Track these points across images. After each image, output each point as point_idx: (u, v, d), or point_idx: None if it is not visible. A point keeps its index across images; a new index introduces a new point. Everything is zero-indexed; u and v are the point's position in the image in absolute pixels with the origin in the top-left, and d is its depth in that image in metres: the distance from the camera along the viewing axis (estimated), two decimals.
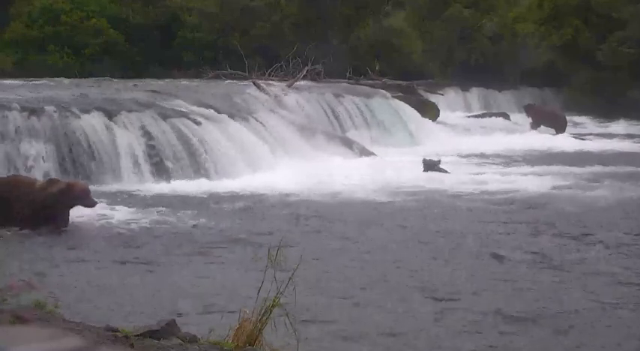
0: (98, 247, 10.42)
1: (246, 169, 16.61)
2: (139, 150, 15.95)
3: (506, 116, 32.99)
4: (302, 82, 26.53)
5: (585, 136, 28.58)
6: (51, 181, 11.60)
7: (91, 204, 11.31)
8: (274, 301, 5.19)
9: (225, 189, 14.99)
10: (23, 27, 36.26)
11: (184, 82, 27.23)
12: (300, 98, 24.17)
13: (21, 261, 9.42)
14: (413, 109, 27.78)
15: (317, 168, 16.95)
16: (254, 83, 24.91)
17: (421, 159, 18.23)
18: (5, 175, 12.80)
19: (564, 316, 7.78)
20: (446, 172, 17.77)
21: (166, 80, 27.75)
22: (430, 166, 17.91)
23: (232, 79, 29.24)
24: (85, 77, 29.15)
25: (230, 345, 5.06)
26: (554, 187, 15.92)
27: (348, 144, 21.10)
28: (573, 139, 27.32)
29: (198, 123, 17.40)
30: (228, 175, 16.10)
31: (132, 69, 34.15)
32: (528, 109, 30.77)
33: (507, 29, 39.15)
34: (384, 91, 28.65)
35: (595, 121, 34.32)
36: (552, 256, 10.17)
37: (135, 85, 23.76)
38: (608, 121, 33.82)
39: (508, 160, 21.57)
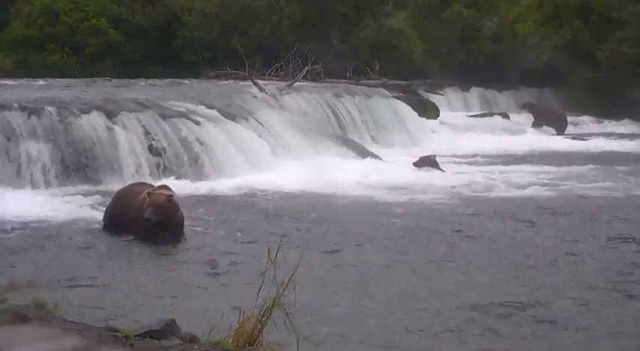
0: (97, 247, 10.43)
1: (246, 169, 16.60)
2: (139, 150, 15.94)
3: (506, 116, 33.01)
4: (302, 82, 26.52)
5: (585, 136, 28.58)
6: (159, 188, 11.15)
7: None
8: (274, 301, 5.19)
9: (225, 189, 14.99)
10: (23, 27, 36.18)
11: (184, 81, 27.21)
12: (300, 98, 24.17)
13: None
14: (413, 109, 27.81)
15: (317, 168, 16.94)
16: (254, 83, 24.90)
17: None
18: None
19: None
20: (441, 170, 17.86)
21: (166, 80, 27.72)
22: (426, 161, 18.05)
23: (232, 79, 29.23)
24: (85, 77, 29.09)
25: (230, 345, 5.06)
26: (552, 186, 15.97)
27: (348, 144, 21.10)
28: (573, 139, 27.34)
29: (198, 123, 17.40)
30: (228, 175, 16.10)
31: (132, 69, 34.08)
32: (528, 108, 30.79)
33: (507, 29, 39.18)
34: (384, 91, 28.68)
35: (595, 121, 34.33)
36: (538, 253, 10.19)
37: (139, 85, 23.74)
38: (608, 121, 33.84)
39: (508, 159, 21.56)
